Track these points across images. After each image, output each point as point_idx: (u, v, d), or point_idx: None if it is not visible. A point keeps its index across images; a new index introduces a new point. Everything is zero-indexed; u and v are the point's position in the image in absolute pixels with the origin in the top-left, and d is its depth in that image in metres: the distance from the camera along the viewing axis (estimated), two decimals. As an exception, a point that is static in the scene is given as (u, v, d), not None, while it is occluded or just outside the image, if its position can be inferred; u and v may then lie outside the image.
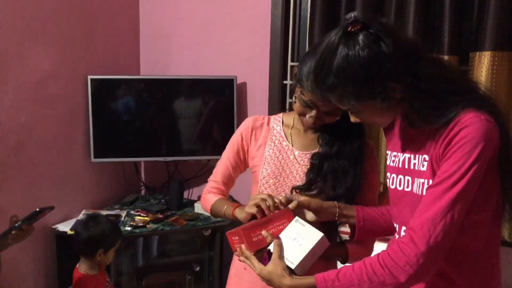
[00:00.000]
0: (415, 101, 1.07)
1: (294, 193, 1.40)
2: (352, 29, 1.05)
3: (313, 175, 1.39)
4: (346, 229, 1.47)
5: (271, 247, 1.20)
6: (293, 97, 1.40)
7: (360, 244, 1.41)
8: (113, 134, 2.70)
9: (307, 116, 1.36)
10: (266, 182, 1.45)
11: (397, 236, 1.22)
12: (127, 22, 2.93)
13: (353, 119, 1.17)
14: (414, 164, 1.14)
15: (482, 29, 2.10)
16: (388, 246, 1.18)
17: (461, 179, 1.00)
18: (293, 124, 1.49)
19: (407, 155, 1.17)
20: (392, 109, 1.12)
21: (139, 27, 3.00)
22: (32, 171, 2.31)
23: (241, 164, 1.56)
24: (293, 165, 1.44)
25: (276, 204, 1.26)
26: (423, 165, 1.10)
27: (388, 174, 1.25)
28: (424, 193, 1.08)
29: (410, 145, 1.17)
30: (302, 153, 1.45)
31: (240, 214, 1.36)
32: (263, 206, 1.26)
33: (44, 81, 2.34)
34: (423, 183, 1.10)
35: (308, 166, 1.41)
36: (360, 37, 1.04)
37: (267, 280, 1.17)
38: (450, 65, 1.15)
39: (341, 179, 1.36)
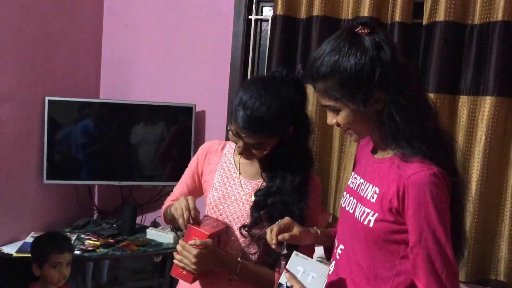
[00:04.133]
0: (388, 117, 1.11)
1: (243, 231, 1.43)
2: (360, 31, 1.12)
3: (257, 212, 1.42)
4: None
5: (282, 281, 1.21)
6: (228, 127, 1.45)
7: None
8: (67, 156, 2.68)
9: (237, 146, 1.40)
10: (213, 208, 1.50)
11: (335, 253, 1.28)
12: (89, 46, 2.95)
13: (329, 119, 1.21)
14: (364, 191, 1.21)
15: (426, 73, 2.25)
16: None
17: (437, 229, 1.07)
18: None
19: (362, 181, 1.23)
20: (367, 120, 1.16)
21: (101, 51, 3.03)
22: (-20, 190, 2.27)
23: (196, 187, 1.61)
24: (238, 192, 1.49)
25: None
26: (373, 197, 1.16)
27: (345, 193, 1.32)
28: (366, 222, 1.15)
29: (368, 173, 1.23)
30: (248, 182, 1.49)
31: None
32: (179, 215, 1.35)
33: (0, 99, 2.32)
34: (368, 213, 1.16)
35: (252, 195, 1.45)
36: (365, 40, 1.11)
37: None
38: (429, 102, 1.21)
39: (283, 213, 1.38)
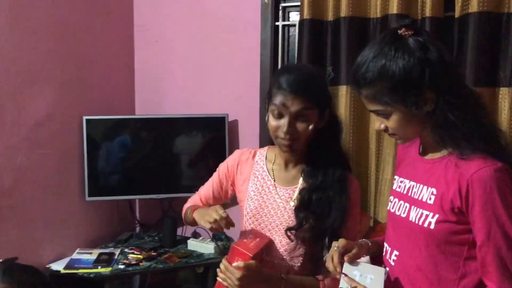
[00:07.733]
0: (443, 117, 1.10)
1: (289, 233, 1.42)
2: (403, 33, 1.11)
3: (302, 212, 1.41)
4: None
5: (343, 285, 1.18)
6: (266, 117, 1.41)
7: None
8: (107, 173, 2.74)
9: (281, 129, 1.35)
10: (250, 218, 1.49)
11: (389, 259, 1.25)
12: (123, 63, 3.02)
13: (377, 125, 1.20)
14: (417, 193, 1.19)
15: (462, 67, 2.17)
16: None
17: (506, 225, 1.05)
18: (275, 159, 1.52)
19: (413, 183, 1.21)
20: (418, 122, 1.15)
21: (134, 68, 3.10)
22: (26, 210, 2.34)
23: (222, 192, 1.62)
24: (275, 200, 1.47)
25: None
26: (430, 198, 1.14)
27: (392, 197, 1.30)
28: (426, 225, 1.13)
29: (419, 174, 1.21)
30: (284, 189, 1.47)
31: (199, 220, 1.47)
32: (215, 226, 1.37)
33: (40, 122, 2.40)
34: (427, 215, 1.14)
35: (290, 201, 1.44)
36: (410, 42, 1.10)
37: None
38: (480, 97, 1.18)
39: (327, 209, 1.38)
